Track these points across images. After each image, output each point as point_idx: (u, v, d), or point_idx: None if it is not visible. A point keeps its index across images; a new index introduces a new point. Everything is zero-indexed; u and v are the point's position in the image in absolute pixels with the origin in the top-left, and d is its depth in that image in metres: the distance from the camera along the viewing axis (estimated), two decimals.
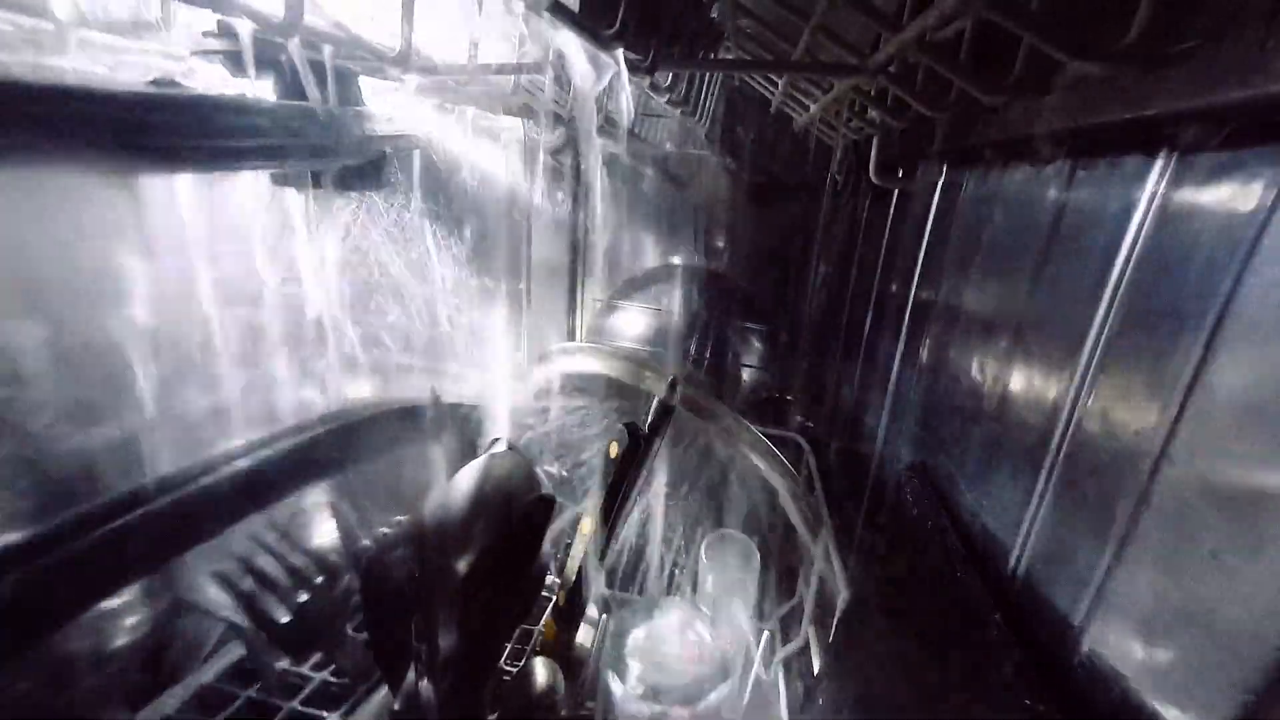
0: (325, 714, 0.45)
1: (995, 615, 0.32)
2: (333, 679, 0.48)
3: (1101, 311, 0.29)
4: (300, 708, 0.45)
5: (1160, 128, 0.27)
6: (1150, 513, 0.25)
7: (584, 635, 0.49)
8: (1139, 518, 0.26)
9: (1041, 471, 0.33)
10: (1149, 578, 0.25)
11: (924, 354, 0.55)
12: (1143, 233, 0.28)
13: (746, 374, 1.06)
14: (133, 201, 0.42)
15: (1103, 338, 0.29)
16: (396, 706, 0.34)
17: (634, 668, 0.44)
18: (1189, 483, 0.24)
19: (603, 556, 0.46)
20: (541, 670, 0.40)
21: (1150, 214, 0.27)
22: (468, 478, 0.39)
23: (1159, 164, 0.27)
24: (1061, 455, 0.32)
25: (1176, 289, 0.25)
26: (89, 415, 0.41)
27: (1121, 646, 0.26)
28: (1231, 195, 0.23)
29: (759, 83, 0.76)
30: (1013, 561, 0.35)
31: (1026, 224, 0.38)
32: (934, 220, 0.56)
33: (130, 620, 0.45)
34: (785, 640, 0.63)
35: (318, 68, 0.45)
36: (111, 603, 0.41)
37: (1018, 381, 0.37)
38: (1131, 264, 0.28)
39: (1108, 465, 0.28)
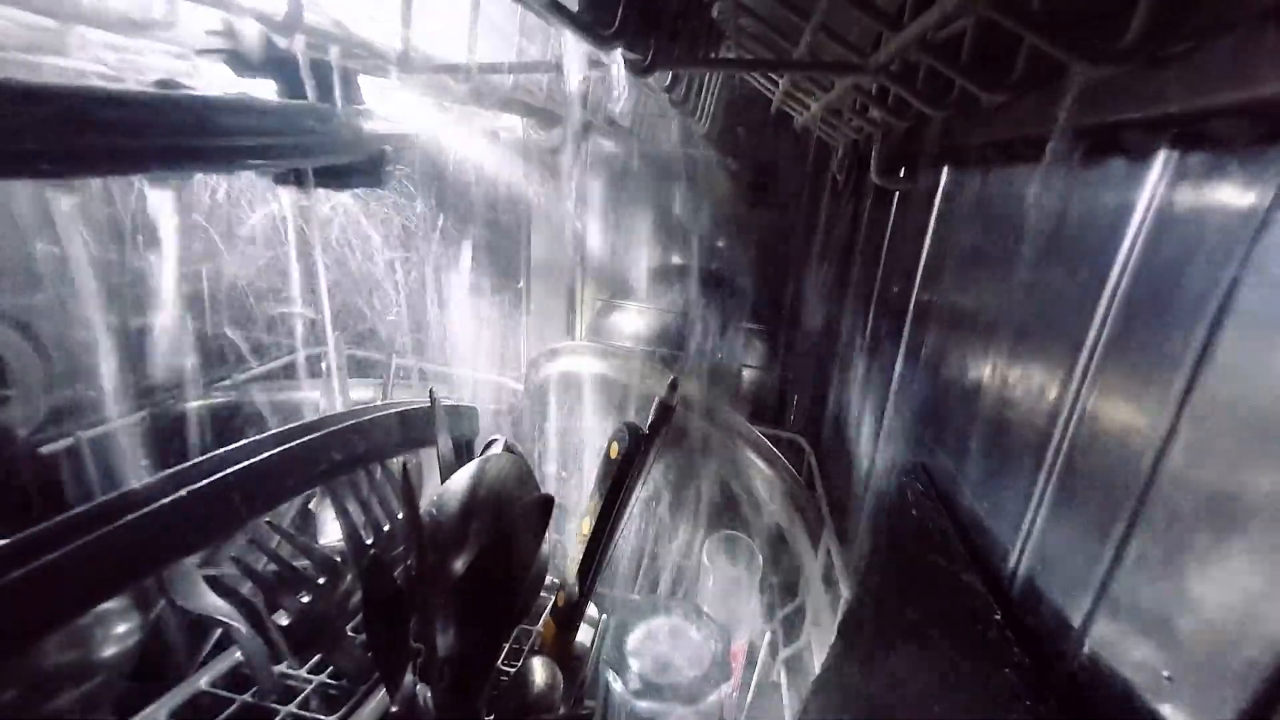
0: (323, 718, 0.44)
1: (996, 616, 0.32)
2: (331, 681, 0.47)
3: (1101, 312, 0.29)
4: (298, 711, 0.45)
5: (1160, 128, 0.26)
6: (1149, 513, 0.25)
7: (584, 635, 0.49)
8: (1138, 519, 0.26)
9: (1041, 472, 0.33)
10: (1149, 579, 0.25)
11: (925, 354, 0.54)
12: (1142, 233, 0.28)
13: (746, 374, 1.05)
14: None
15: (1102, 338, 0.29)
16: (394, 709, 0.34)
17: (634, 668, 0.44)
18: (1188, 483, 0.23)
19: (603, 556, 0.46)
20: (540, 670, 0.40)
21: (1150, 214, 0.27)
22: (465, 479, 0.38)
23: (1159, 164, 0.27)
24: (1061, 456, 0.32)
25: (1175, 290, 0.25)
26: None
27: (1122, 647, 0.26)
28: (1231, 196, 0.23)
29: (759, 82, 0.76)
30: (1013, 562, 0.35)
31: (1027, 224, 0.38)
32: (935, 220, 0.55)
33: (123, 626, 0.44)
34: (787, 641, 0.63)
35: (318, 67, 0.45)
36: (104, 607, 0.40)
37: (1018, 382, 0.37)
38: (1131, 264, 0.28)
39: (1107, 466, 0.28)
